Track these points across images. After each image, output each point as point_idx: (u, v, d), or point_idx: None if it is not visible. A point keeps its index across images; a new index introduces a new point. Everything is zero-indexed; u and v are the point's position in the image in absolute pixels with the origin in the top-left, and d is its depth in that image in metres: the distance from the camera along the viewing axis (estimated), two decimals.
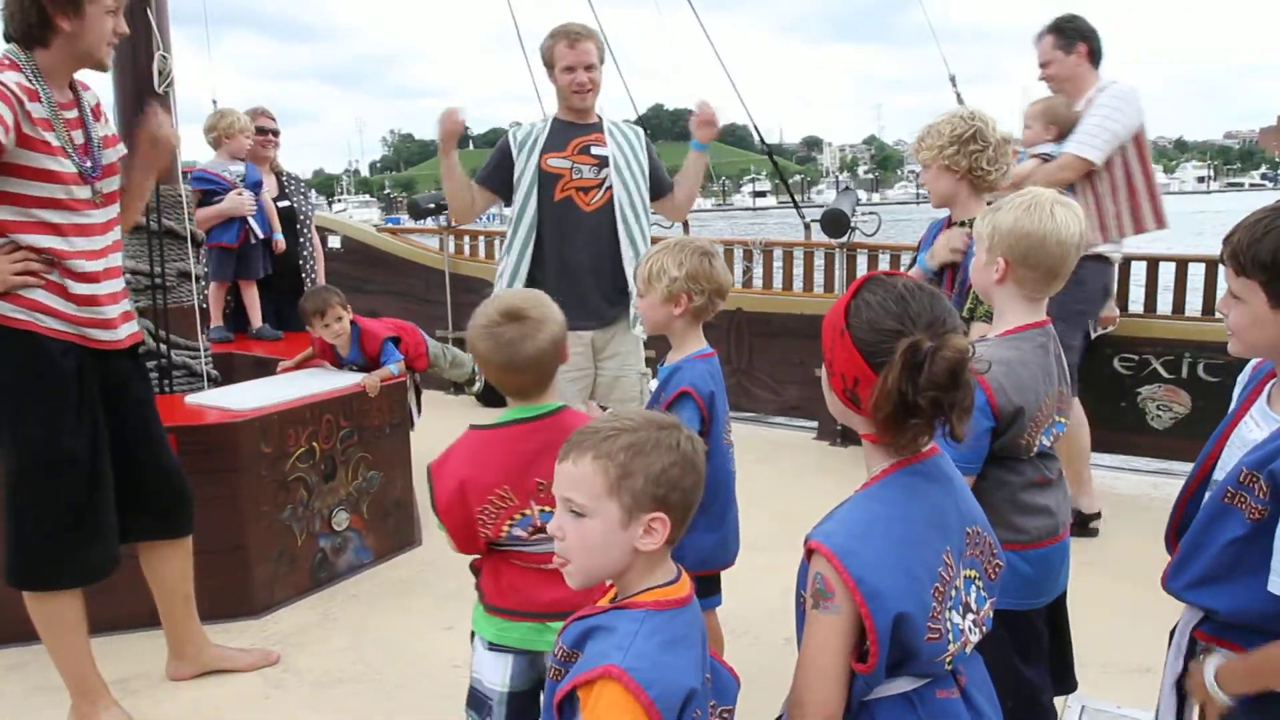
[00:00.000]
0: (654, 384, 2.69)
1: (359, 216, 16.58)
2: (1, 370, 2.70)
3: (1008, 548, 2.06)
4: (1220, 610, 1.69)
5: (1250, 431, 1.70)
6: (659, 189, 4.06)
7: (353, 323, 4.42)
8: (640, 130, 4.08)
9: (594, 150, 3.87)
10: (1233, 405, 1.82)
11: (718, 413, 2.59)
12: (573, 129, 3.90)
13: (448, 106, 3.86)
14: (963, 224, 3.02)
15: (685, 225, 5.75)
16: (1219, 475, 1.75)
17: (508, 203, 4.00)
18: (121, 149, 3.00)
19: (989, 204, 2.30)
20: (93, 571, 2.85)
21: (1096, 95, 4.27)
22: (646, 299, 2.62)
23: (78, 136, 2.77)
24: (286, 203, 5.57)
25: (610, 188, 3.85)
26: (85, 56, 2.77)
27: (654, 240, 3.45)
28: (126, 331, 2.91)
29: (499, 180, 3.95)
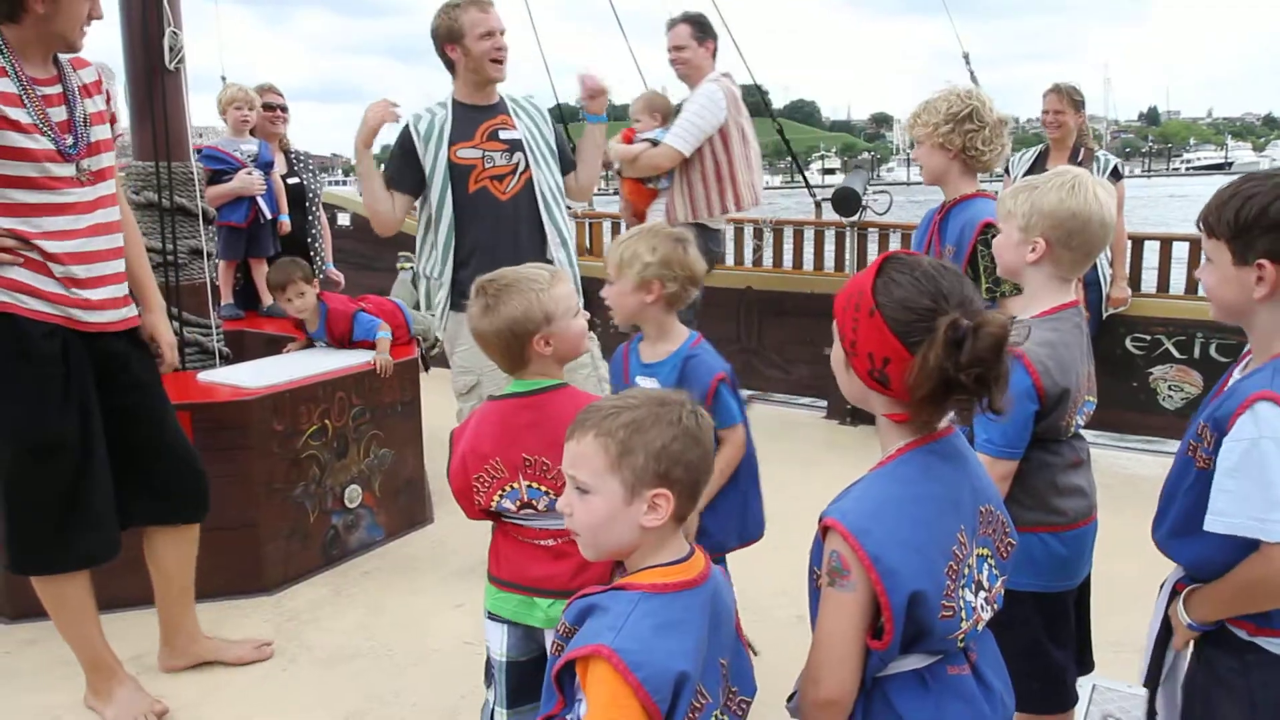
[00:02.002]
0: (605, 370, 2.65)
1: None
2: None
3: (1045, 530, 2.08)
4: (1184, 563, 1.76)
5: None
6: (564, 166, 3.84)
7: (321, 300, 4.35)
8: (541, 104, 3.86)
9: (502, 135, 3.64)
10: (1219, 381, 1.85)
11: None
12: (477, 113, 3.65)
13: (380, 99, 3.57)
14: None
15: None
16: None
17: (416, 198, 3.73)
18: (118, 128, 2.92)
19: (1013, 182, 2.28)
20: (89, 556, 2.83)
21: (692, 92, 4.85)
22: (616, 286, 2.55)
23: (58, 113, 2.68)
24: (295, 179, 5.57)
25: (525, 171, 3.65)
26: (57, 38, 2.68)
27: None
28: (118, 316, 2.84)
29: (410, 179, 3.65)
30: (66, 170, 2.68)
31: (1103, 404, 5.08)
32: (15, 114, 2.58)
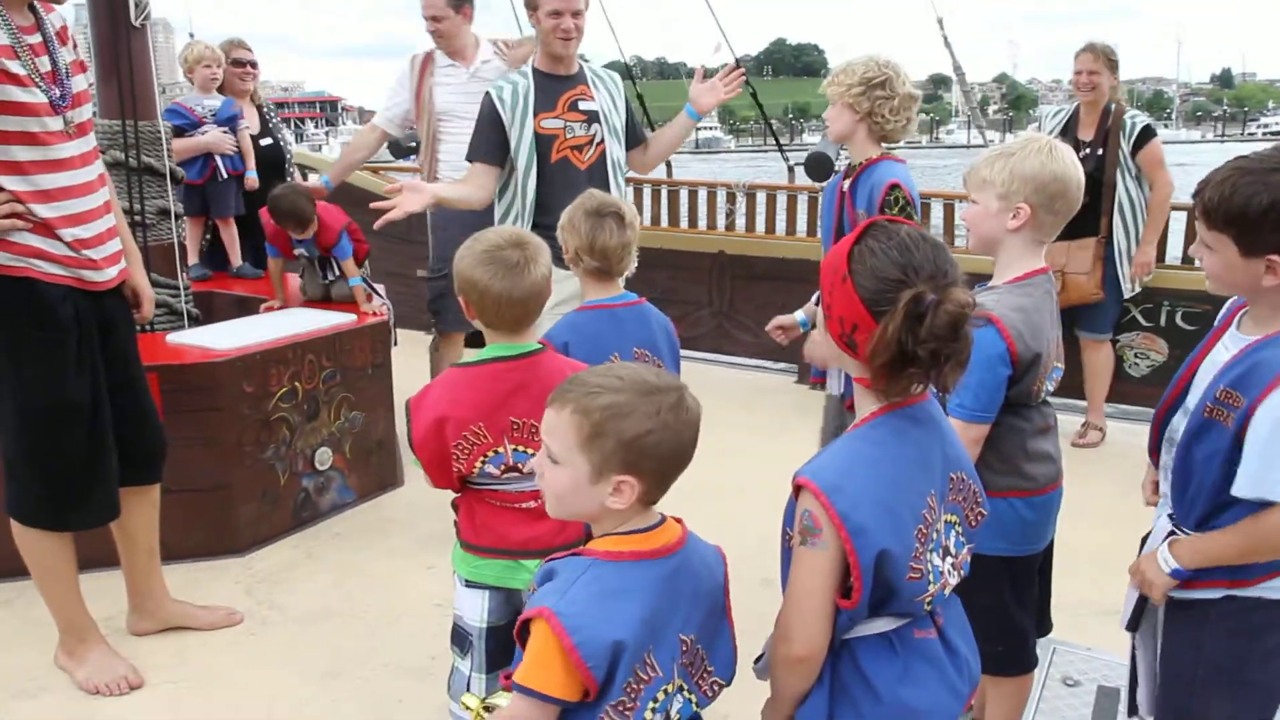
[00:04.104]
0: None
1: None
2: (7, 324, 2.62)
3: (1016, 495, 2.12)
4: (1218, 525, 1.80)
5: (1220, 355, 1.82)
6: (631, 139, 3.91)
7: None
8: (618, 77, 3.93)
9: (581, 105, 3.71)
10: (1207, 336, 1.91)
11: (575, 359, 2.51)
12: (558, 83, 3.71)
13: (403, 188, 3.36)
14: None
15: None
16: (1191, 401, 1.85)
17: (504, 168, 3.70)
18: (90, 76, 2.88)
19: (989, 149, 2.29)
20: (100, 514, 2.86)
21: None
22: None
23: (43, 64, 2.62)
24: (269, 140, 5.44)
25: (601, 142, 3.73)
26: None
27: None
28: (116, 270, 2.85)
29: (500, 150, 3.66)
30: (57, 124, 2.63)
31: (1069, 370, 5.16)
32: (13, 67, 2.52)
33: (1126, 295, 4.82)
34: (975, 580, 1.70)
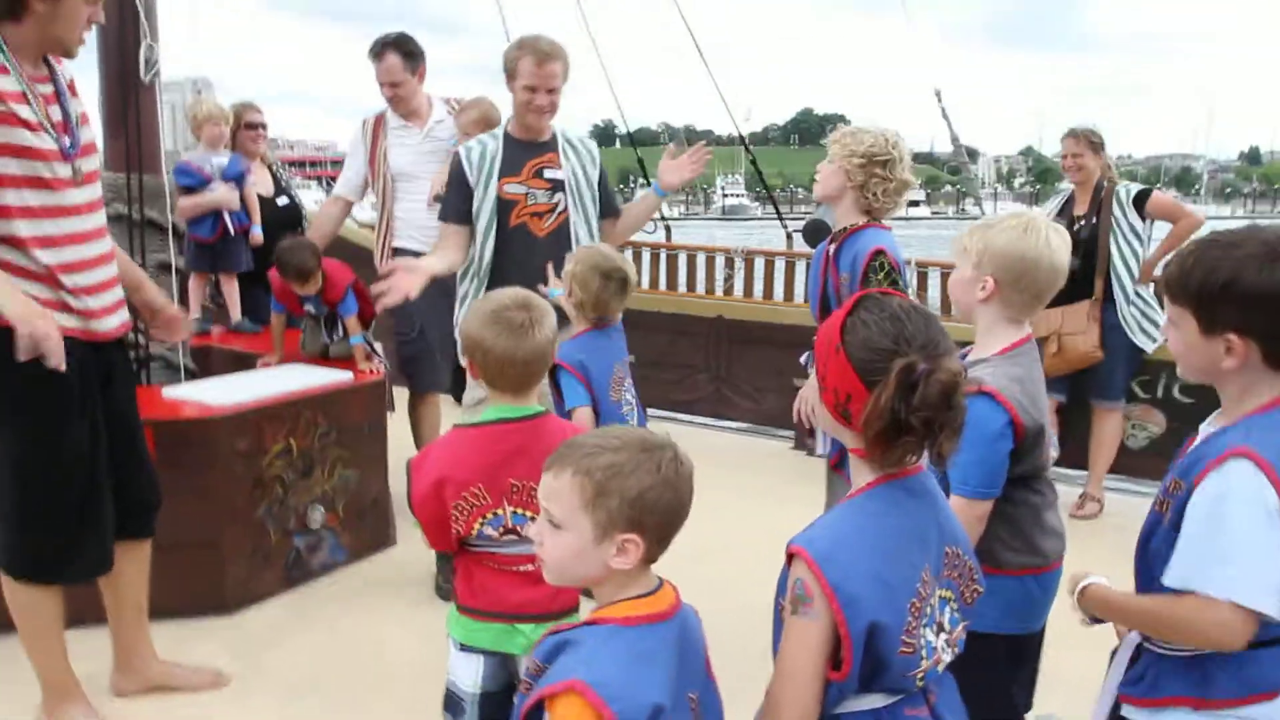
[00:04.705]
0: None
1: None
2: (6, 373, 2.58)
3: (1030, 572, 2.08)
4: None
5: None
6: (604, 210, 3.90)
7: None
8: (594, 145, 3.92)
9: (547, 174, 3.72)
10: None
11: (594, 375, 3.14)
12: (527, 149, 3.72)
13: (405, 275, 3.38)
14: None
15: None
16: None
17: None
18: (96, 130, 2.92)
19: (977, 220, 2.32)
20: (92, 567, 2.83)
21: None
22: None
23: (55, 112, 2.66)
24: (286, 199, 5.46)
25: (564, 212, 3.73)
26: (56, 42, 2.67)
27: None
28: (118, 320, 2.85)
29: (464, 210, 3.69)
30: (66, 170, 2.66)
31: (1065, 441, 5.15)
32: (23, 112, 2.55)
33: (1150, 350, 4.84)
34: (979, 659, 1.67)
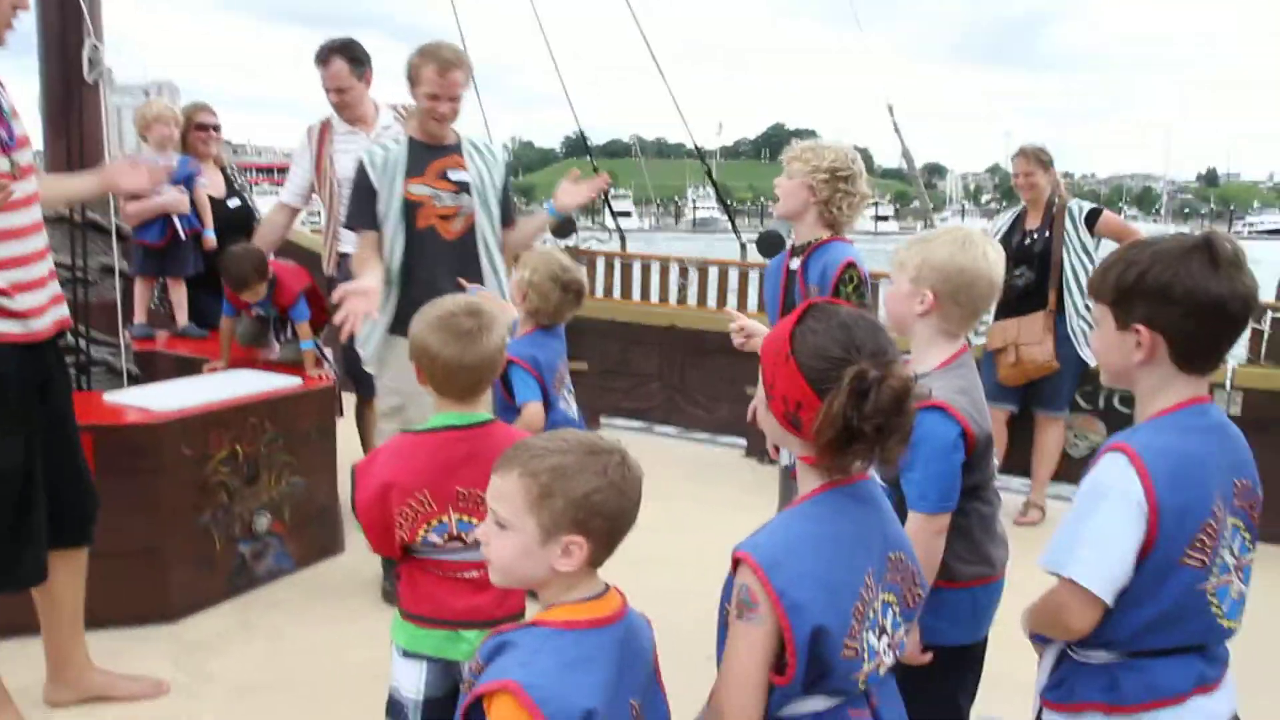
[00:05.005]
0: None
1: None
2: None
3: (978, 583, 2.10)
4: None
5: None
6: (504, 218, 3.88)
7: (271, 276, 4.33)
8: (499, 150, 3.92)
9: (452, 175, 3.72)
10: None
11: (544, 370, 3.26)
12: (431, 151, 3.72)
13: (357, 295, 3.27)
14: None
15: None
16: None
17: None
18: (36, 131, 2.87)
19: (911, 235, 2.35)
20: (26, 577, 2.77)
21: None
22: (511, 283, 3.42)
23: None
24: (237, 201, 5.38)
25: (470, 214, 3.74)
26: None
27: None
28: (54, 318, 2.79)
29: (373, 214, 3.67)
30: (4, 165, 2.60)
31: (1010, 448, 5.21)
32: None
33: (1094, 363, 4.92)
34: (929, 670, 1.69)
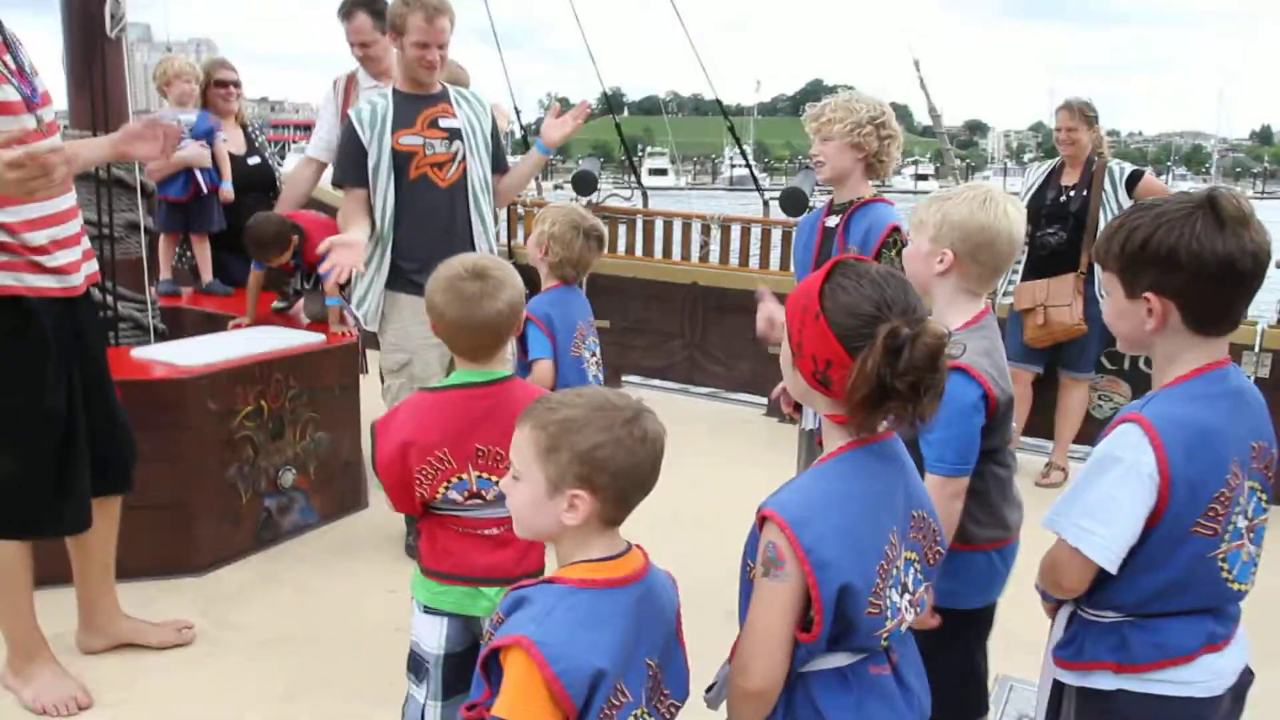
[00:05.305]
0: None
1: None
2: None
3: (994, 546, 2.10)
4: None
5: None
6: (494, 164, 3.87)
7: (299, 230, 4.34)
8: (485, 98, 3.89)
9: (442, 123, 3.69)
10: None
11: (559, 328, 3.24)
12: (419, 101, 3.69)
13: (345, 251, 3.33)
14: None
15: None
16: None
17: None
18: (59, 87, 2.88)
19: (929, 193, 2.33)
20: (71, 524, 2.83)
21: None
22: (530, 240, 3.34)
23: (9, 61, 2.60)
24: (257, 159, 5.39)
25: (463, 160, 3.71)
26: None
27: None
28: (86, 273, 2.83)
29: (363, 171, 3.65)
30: (31, 122, 2.61)
31: (1034, 411, 5.18)
32: None
33: None
34: (948, 633, 1.69)
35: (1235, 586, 1.64)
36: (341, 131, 3.73)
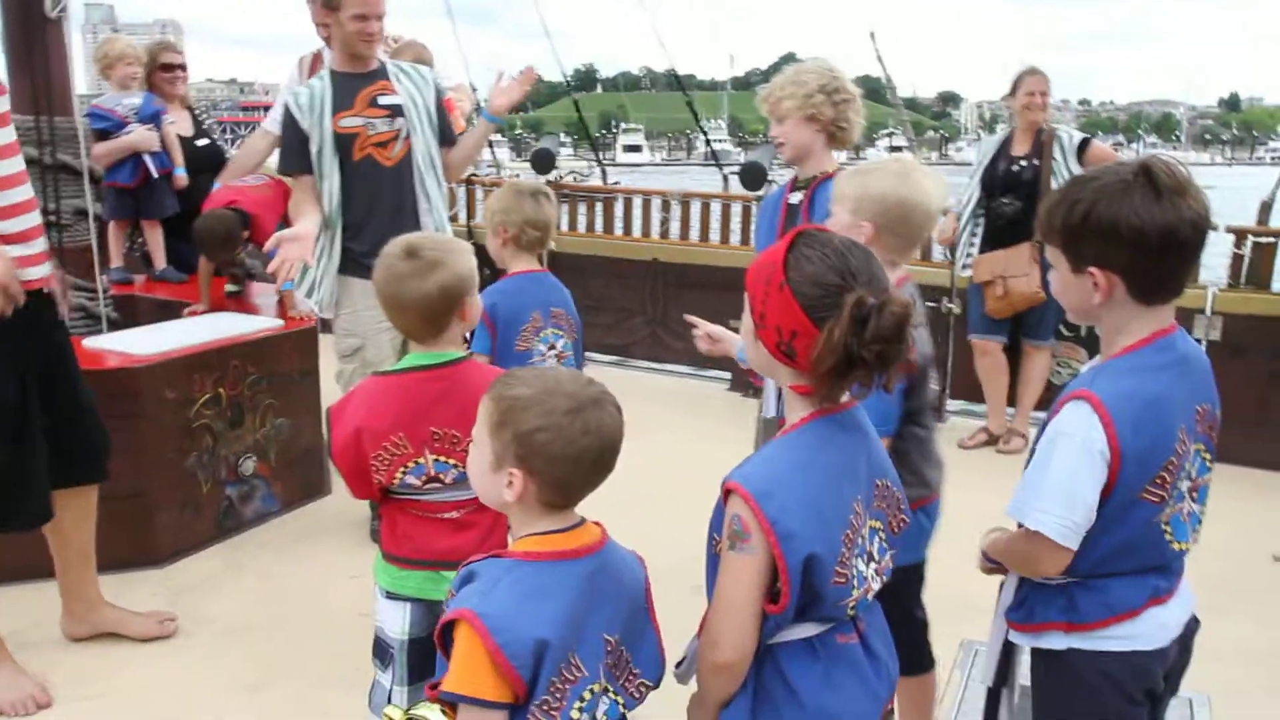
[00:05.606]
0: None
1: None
2: None
3: (919, 504, 2.12)
4: None
5: None
6: (441, 137, 3.77)
7: (243, 212, 4.28)
8: (428, 71, 3.82)
9: (382, 100, 3.61)
10: None
11: (501, 320, 2.91)
12: (356, 80, 3.61)
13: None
14: None
15: None
16: None
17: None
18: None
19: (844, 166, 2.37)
20: (31, 518, 2.79)
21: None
22: (488, 237, 3.03)
23: None
24: (206, 140, 5.30)
25: (408, 137, 3.64)
26: None
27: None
28: (44, 271, 2.77)
29: (306, 158, 3.59)
30: None
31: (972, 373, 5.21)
32: None
33: None
34: (894, 589, 1.70)
35: (1177, 546, 1.67)
36: (281, 119, 3.66)
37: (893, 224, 2.14)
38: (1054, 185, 4.75)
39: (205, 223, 4.23)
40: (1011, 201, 4.85)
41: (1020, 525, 1.68)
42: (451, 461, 2.04)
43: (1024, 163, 4.89)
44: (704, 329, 2.69)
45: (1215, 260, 4.85)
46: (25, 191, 2.71)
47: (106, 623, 3.12)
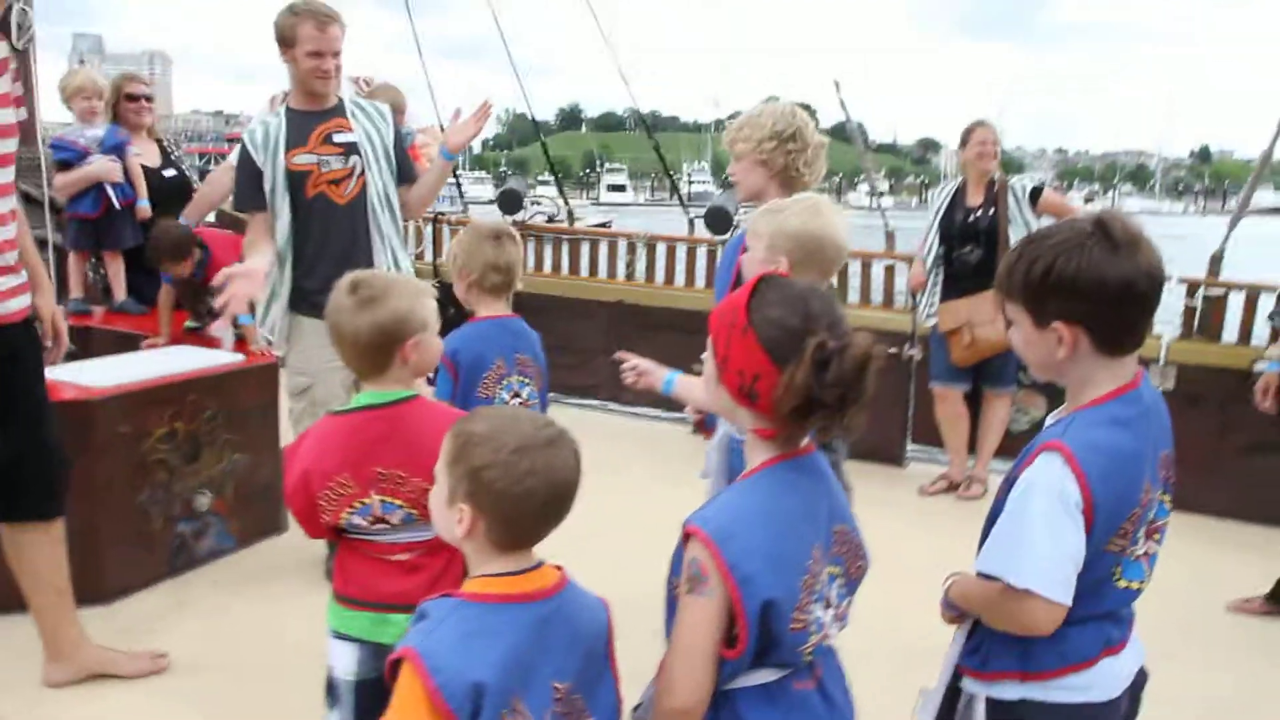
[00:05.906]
0: None
1: (473, 192, 15.99)
2: None
3: None
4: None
5: None
6: (400, 175, 3.74)
7: (204, 246, 4.28)
8: (386, 108, 3.79)
9: (336, 138, 3.59)
10: None
11: (464, 365, 2.79)
12: (311, 118, 3.59)
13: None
14: None
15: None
16: None
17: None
18: (22, 113, 2.78)
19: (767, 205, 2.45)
20: None
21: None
22: (454, 280, 2.91)
23: None
24: (174, 171, 5.26)
25: (362, 175, 3.61)
26: None
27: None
28: (21, 305, 2.74)
29: (260, 194, 3.58)
30: None
31: (925, 419, 5.25)
32: None
33: None
34: None
35: (1123, 585, 1.66)
36: (238, 158, 3.64)
37: (806, 259, 2.27)
38: (1011, 232, 4.86)
39: (162, 227, 4.26)
40: (973, 249, 4.93)
41: (986, 576, 1.64)
42: (398, 502, 2.01)
43: (979, 212, 4.97)
44: (631, 361, 2.70)
45: (1168, 312, 4.95)
46: (9, 230, 2.70)
47: (92, 664, 3.01)
